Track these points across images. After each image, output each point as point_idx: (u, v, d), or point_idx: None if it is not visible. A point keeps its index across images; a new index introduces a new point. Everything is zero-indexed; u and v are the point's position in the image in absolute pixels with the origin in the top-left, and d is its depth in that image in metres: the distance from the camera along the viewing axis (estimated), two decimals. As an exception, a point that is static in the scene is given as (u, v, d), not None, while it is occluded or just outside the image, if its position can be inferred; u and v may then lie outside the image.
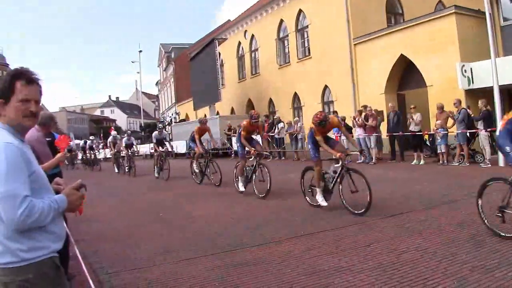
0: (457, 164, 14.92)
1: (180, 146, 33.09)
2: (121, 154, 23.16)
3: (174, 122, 43.14)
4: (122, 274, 5.66)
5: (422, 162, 16.10)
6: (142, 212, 10.56)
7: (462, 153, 14.97)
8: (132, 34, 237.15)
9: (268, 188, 10.64)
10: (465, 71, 17.92)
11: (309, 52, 28.67)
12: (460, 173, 12.92)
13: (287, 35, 30.70)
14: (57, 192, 2.72)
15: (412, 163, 16.21)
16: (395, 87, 22.95)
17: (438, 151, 15.83)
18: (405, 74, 22.58)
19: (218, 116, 32.68)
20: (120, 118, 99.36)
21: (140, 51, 57.81)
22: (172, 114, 51.95)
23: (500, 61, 15.63)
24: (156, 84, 78.86)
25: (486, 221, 6.34)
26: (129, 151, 21.14)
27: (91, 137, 32.04)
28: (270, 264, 5.73)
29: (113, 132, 26.37)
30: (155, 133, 18.87)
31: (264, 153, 11.50)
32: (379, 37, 22.89)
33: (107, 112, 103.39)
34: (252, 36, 34.91)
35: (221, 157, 28.55)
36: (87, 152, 31.01)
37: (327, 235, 6.99)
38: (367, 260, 5.58)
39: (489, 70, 14.63)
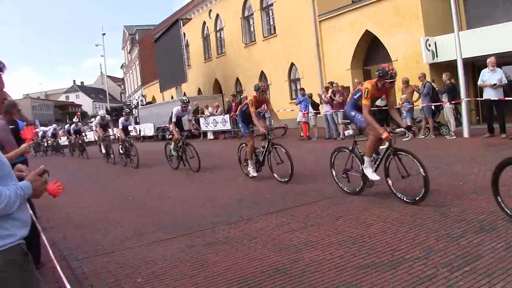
0: (423, 137, 15.11)
1: (147, 129, 32.83)
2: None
3: (141, 105, 42.70)
4: (93, 260, 5.58)
5: (388, 136, 16.23)
6: (111, 196, 10.43)
7: (428, 126, 15.16)
8: (94, 16, 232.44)
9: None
10: (429, 45, 18.08)
11: (274, 30, 28.57)
12: (426, 145, 13.08)
13: (252, 14, 30.51)
14: (20, 179, 2.67)
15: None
16: (360, 63, 23.08)
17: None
18: (371, 50, 22.71)
19: (186, 97, 32.43)
20: (86, 103, 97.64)
21: (104, 34, 56.57)
22: (138, 97, 51.45)
23: (463, 35, 15.77)
24: (121, 67, 77.68)
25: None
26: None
27: (53, 125, 31.34)
28: (241, 242, 5.73)
29: (54, 125, 26.60)
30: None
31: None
32: (344, 13, 22.89)
33: (72, 98, 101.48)
34: (217, 15, 34.60)
35: (189, 138, 28.44)
36: (53, 138, 30.56)
37: (296, 211, 7.01)
38: (336, 233, 5.62)
39: (453, 43, 14.77)
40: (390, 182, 7.03)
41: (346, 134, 8.52)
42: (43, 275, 4.79)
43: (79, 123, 25.34)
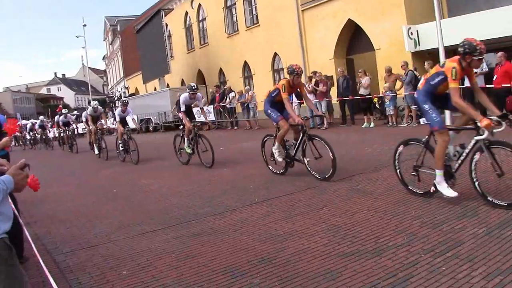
0: (406, 125, 15.23)
1: (130, 121, 32.61)
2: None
3: (124, 97, 42.42)
4: (77, 253, 5.55)
5: (372, 125, 16.36)
6: (96, 190, 10.38)
7: (411, 114, 15.28)
8: (75, 7, 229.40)
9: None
10: (411, 33, 18.17)
11: (257, 20, 28.46)
12: (409, 133, 13.11)
13: (235, 3, 30.33)
14: (1, 173, 2.65)
15: (363, 126, 16.44)
16: (344, 52, 23.10)
17: (387, 113, 16.09)
18: (353, 39, 22.74)
19: (168, 88, 32.29)
20: (68, 96, 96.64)
21: (84, 25, 55.91)
22: (121, 89, 51.09)
23: (445, 23, 15.86)
24: (103, 58, 77.02)
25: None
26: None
27: (41, 117, 30.37)
28: (226, 232, 5.74)
29: (41, 117, 26.03)
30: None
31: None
32: (327, 2, 22.84)
33: (54, 90, 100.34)
34: (199, 5, 34.35)
35: (174, 129, 28.36)
36: (42, 130, 29.19)
37: (281, 201, 7.04)
38: (321, 222, 5.66)
39: (435, 31, 14.84)
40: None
41: (422, 123, 7.70)
42: (27, 270, 4.76)
43: (69, 115, 23.85)
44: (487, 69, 13.25)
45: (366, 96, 16.65)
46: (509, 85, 12.17)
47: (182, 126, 15.66)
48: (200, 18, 34.85)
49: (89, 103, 53.38)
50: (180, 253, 5.11)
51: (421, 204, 5.91)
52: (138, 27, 41.18)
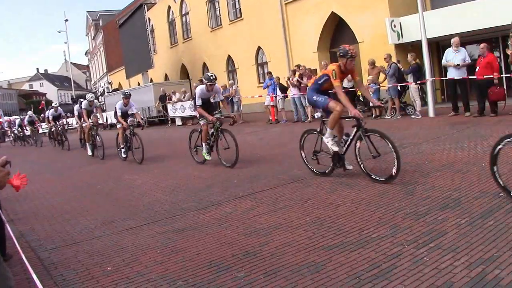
0: (390, 117, 15.30)
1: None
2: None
3: (107, 92, 42.13)
4: (62, 250, 5.52)
5: (356, 117, 16.36)
6: (80, 186, 10.32)
7: (394, 106, 15.35)
8: (56, 1, 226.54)
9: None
10: (394, 26, 18.25)
11: (240, 14, 28.40)
12: (393, 125, 13.24)
13: (218, -3, 30.24)
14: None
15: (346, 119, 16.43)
16: (327, 45, 23.14)
17: (371, 106, 16.13)
18: (337, 32, 22.78)
19: (152, 83, 32.12)
20: (50, 91, 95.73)
21: (66, 20, 55.48)
22: (104, 84, 50.74)
23: (427, 15, 15.97)
24: (86, 53, 76.45)
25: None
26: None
27: (29, 112, 29.11)
28: (211, 227, 5.74)
29: (29, 112, 25.34)
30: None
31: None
32: (310, -5, 22.86)
33: (36, 86, 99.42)
34: (182, -1, 34.22)
35: (158, 125, 28.27)
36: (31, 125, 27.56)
37: (265, 195, 7.05)
38: (305, 215, 5.68)
39: (417, 24, 14.91)
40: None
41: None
42: (11, 267, 4.73)
43: (59, 108, 21.82)
44: (469, 61, 13.34)
45: (350, 89, 16.67)
46: (491, 76, 12.27)
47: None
48: (183, 12, 34.68)
49: (72, 98, 52.95)
50: (165, 248, 5.10)
51: (405, 195, 5.96)
52: (121, 21, 40.89)
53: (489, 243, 4.12)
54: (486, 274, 3.53)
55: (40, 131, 28.77)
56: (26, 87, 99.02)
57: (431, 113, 14.32)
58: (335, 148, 7.42)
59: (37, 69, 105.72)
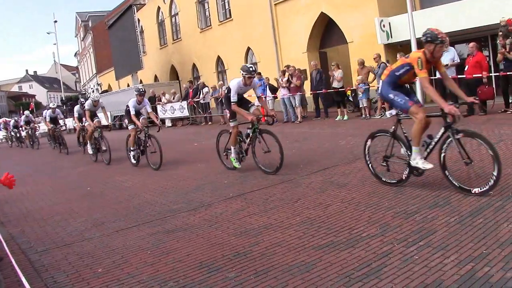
0: (379, 117, 15.34)
1: (103, 119, 32.18)
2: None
3: (100, 92, 41.92)
4: (52, 252, 5.49)
5: (345, 117, 16.43)
6: (70, 188, 10.26)
7: (384, 106, 15.39)
8: (45, 2, 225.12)
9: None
10: (384, 25, 18.29)
11: (230, 14, 28.35)
12: (382, 125, 13.18)
13: (207, -2, 30.20)
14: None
15: (336, 119, 16.50)
16: (317, 45, 23.16)
17: (360, 106, 16.19)
18: (326, 32, 22.80)
19: (141, 84, 32.01)
20: (40, 93, 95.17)
21: (55, 21, 55.32)
22: (94, 86, 50.51)
23: (416, 14, 16.05)
24: (75, 55, 76.10)
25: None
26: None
27: (26, 112, 27.88)
28: (201, 228, 5.74)
29: (26, 112, 24.80)
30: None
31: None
32: (299, -5, 22.89)
33: (26, 88, 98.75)
34: (172, 0, 34.12)
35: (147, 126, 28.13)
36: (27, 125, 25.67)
37: (256, 195, 7.06)
38: (295, 215, 5.69)
39: (406, 24, 14.99)
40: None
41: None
42: (2, 269, 4.72)
43: (57, 109, 20.03)
44: (458, 60, 13.42)
45: (340, 89, 16.72)
46: (480, 75, 12.36)
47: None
48: (173, 13, 34.59)
49: (61, 100, 52.54)
50: (156, 250, 5.10)
51: (394, 194, 5.99)
52: (110, 22, 40.63)
53: (479, 240, 4.15)
54: (475, 271, 3.55)
55: (37, 132, 27.48)
56: (15, 88, 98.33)
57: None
58: (428, 166, 6.06)
59: (27, 70, 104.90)
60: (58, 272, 4.75)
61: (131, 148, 11.76)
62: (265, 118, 9.58)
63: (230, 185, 8.01)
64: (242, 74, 8.66)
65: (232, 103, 8.80)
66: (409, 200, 5.63)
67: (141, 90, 11.60)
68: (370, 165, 6.95)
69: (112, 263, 4.83)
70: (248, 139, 8.95)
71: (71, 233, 6.24)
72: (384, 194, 6.07)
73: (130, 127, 11.66)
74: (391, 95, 6.26)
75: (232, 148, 9.17)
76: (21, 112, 52.03)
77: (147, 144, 11.26)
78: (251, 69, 8.64)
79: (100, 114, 15.15)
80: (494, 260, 3.71)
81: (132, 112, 11.32)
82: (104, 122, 15.56)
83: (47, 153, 20.29)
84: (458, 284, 3.40)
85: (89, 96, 24.28)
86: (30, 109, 26.97)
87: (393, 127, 6.54)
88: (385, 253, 4.14)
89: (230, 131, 9.21)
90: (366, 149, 6.95)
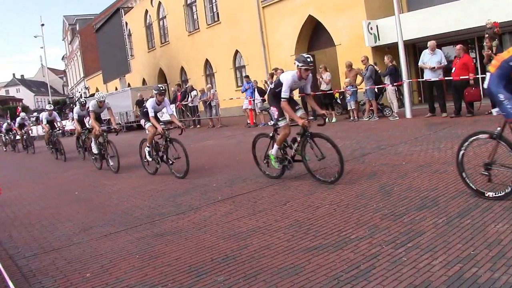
0: (367, 119, 15.41)
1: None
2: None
3: (85, 97, 41.67)
4: (40, 257, 5.44)
5: (334, 120, 16.47)
6: (57, 192, 10.19)
7: (372, 108, 15.45)
8: (32, 5, 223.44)
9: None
10: (371, 28, 18.39)
11: (218, 17, 28.38)
12: (370, 127, 13.34)
13: (195, 1, 30.14)
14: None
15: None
16: (305, 48, 23.19)
17: (349, 108, 16.23)
18: (314, 35, 22.89)
19: (129, 88, 31.89)
20: (27, 97, 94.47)
21: (43, 25, 55.14)
22: (81, 89, 50.26)
23: (404, 17, 16.13)
24: (63, 58, 75.72)
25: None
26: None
27: (22, 114, 26.29)
28: (190, 231, 5.72)
29: (22, 114, 24.35)
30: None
31: None
32: (287, -2, 22.94)
33: (13, 92, 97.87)
34: (159, 3, 34.03)
35: (136, 130, 28.04)
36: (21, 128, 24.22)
37: (244, 198, 7.05)
38: (284, 218, 5.69)
39: (394, 26, 15.04)
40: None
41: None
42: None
43: (54, 112, 18.68)
44: (445, 63, 13.50)
45: (328, 92, 16.76)
46: (467, 77, 12.44)
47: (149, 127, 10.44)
48: (161, 16, 34.55)
49: (49, 102, 52.10)
50: (144, 254, 5.07)
51: (383, 197, 6.01)
52: (98, 26, 40.52)
53: (466, 242, 4.17)
54: (463, 272, 3.57)
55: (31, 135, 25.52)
56: (2, 92, 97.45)
57: (408, 115, 14.44)
58: None
59: (13, 74, 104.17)
60: (46, 277, 4.71)
61: (147, 145, 10.37)
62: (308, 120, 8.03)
63: (219, 188, 7.99)
64: (298, 65, 7.40)
65: (283, 100, 7.58)
66: (397, 202, 5.65)
67: (161, 88, 10.42)
68: (465, 178, 5.63)
69: (100, 268, 4.79)
70: (296, 144, 7.78)
71: (59, 238, 6.19)
72: (372, 196, 6.09)
73: (147, 125, 10.38)
74: (501, 97, 5.06)
75: (276, 146, 7.92)
76: (7, 116, 51.44)
77: (168, 150, 9.96)
78: (308, 59, 7.35)
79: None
80: (482, 260, 3.73)
81: (151, 114, 10.10)
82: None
83: (39, 157, 19.63)
84: (446, 285, 3.41)
85: (77, 100, 23.88)
86: (18, 113, 26.17)
87: (499, 128, 5.29)
88: (373, 255, 4.15)
89: (270, 134, 8.23)
90: (459, 157, 5.66)
